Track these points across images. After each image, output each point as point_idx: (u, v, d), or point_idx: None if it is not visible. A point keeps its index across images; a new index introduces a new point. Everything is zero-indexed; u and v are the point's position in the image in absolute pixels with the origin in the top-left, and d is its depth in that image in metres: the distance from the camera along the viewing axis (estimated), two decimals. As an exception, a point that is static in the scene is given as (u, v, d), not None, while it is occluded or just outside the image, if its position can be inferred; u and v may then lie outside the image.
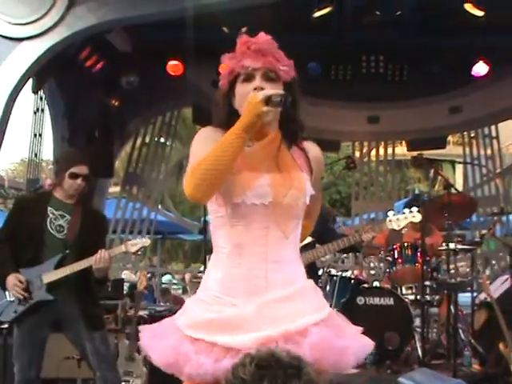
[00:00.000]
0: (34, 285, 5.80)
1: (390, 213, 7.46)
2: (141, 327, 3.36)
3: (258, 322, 3.04)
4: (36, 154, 10.48)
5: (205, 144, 3.17)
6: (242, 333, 3.01)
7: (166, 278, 18.71)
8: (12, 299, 5.84)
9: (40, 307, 5.81)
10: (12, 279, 5.75)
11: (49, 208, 5.90)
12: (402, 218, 7.34)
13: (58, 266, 5.80)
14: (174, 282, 20.15)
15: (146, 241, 6.29)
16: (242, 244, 3.15)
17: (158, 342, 3.17)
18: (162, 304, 13.43)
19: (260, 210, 3.13)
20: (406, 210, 7.32)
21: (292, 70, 3.30)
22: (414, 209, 7.34)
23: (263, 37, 3.31)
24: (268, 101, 3.05)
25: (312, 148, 3.39)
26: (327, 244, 7.24)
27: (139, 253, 6.39)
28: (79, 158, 6.22)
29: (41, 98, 10.29)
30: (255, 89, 3.18)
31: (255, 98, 3.05)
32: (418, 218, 7.40)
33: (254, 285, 3.13)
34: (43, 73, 8.88)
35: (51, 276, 5.78)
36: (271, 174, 3.16)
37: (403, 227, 7.52)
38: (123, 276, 12.82)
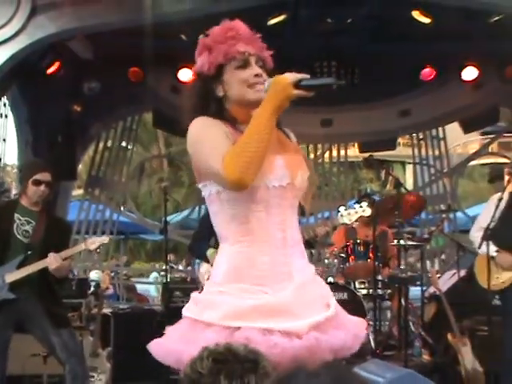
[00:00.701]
0: None
1: (342, 208, 7.51)
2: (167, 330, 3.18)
3: (296, 307, 3.00)
4: (0, 159, 10.43)
5: (215, 129, 3.03)
6: (285, 319, 2.94)
7: (153, 276, 18.47)
8: None
9: (3, 307, 5.80)
10: None
11: (15, 214, 5.94)
12: (353, 213, 7.39)
13: (20, 266, 5.80)
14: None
15: (104, 238, 6.36)
16: (265, 230, 3.06)
17: (191, 346, 2.84)
18: (125, 302, 13.38)
19: (277, 192, 3.05)
20: (357, 205, 7.38)
21: (271, 59, 3.22)
22: (364, 204, 7.41)
23: (243, 25, 3.19)
24: (297, 84, 2.92)
25: (290, 133, 3.36)
26: None
27: (98, 250, 6.39)
28: (41, 165, 6.27)
29: (4, 105, 10.22)
30: (256, 75, 3.08)
31: (284, 79, 2.92)
32: (367, 212, 7.45)
33: (281, 271, 3.06)
34: (6, 80, 8.80)
35: (13, 276, 5.78)
36: (282, 155, 3.09)
37: (354, 221, 7.59)
38: (95, 275, 12.74)
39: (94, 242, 6.14)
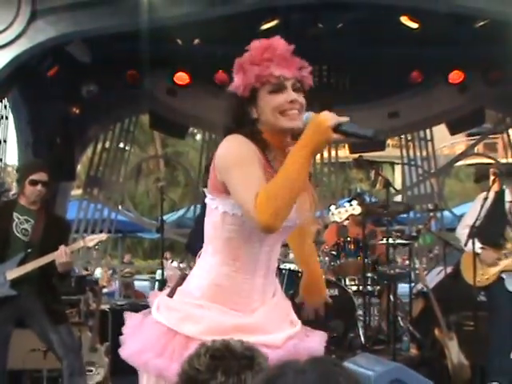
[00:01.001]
0: None
1: (332, 207, 7.53)
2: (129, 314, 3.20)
3: (269, 326, 3.01)
4: (1, 159, 10.41)
5: (252, 157, 2.84)
6: (262, 335, 2.93)
7: (159, 273, 18.49)
8: None
9: (3, 303, 5.80)
10: None
11: (14, 213, 5.94)
12: (343, 211, 7.41)
13: (21, 264, 5.80)
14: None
15: (102, 236, 6.36)
16: (254, 260, 3.00)
17: (175, 362, 2.81)
18: (123, 298, 13.37)
19: (281, 230, 2.88)
20: (347, 204, 7.39)
21: (310, 77, 3.03)
22: (354, 202, 7.41)
23: (284, 43, 2.99)
24: (337, 127, 2.77)
25: None
26: None
27: (96, 247, 6.38)
28: (38, 165, 6.28)
29: (5, 107, 10.19)
30: (291, 101, 2.90)
31: (325, 122, 2.75)
32: (357, 210, 7.48)
33: (256, 299, 3.03)
34: (7, 82, 8.78)
35: (14, 273, 5.78)
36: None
37: (344, 219, 7.60)
38: (97, 273, 12.77)
39: (93, 239, 6.14)
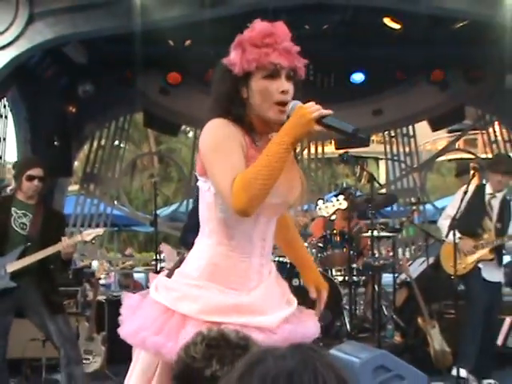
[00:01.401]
0: None
1: (320, 202, 7.53)
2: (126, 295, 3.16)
3: (265, 306, 2.97)
4: (0, 156, 10.40)
5: (234, 143, 2.82)
6: (257, 316, 2.90)
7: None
8: None
9: (4, 294, 5.80)
10: None
11: (12, 208, 5.93)
12: (330, 206, 7.41)
13: (21, 257, 5.80)
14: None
15: (99, 230, 6.39)
16: (249, 238, 2.97)
17: (171, 340, 2.82)
18: (120, 289, 13.38)
19: (271, 207, 2.93)
20: (334, 199, 7.40)
21: (304, 69, 2.99)
22: (341, 197, 7.42)
23: (286, 31, 2.96)
24: (319, 119, 2.75)
25: None
26: None
27: (93, 241, 6.39)
28: (34, 161, 6.29)
29: (4, 106, 10.18)
30: (282, 91, 2.86)
31: (309, 114, 2.72)
32: (344, 204, 7.49)
33: (253, 278, 3.00)
34: (6, 82, 8.76)
35: (14, 266, 5.78)
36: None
37: (332, 213, 7.60)
38: (94, 265, 12.78)
39: (90, 233, 6.15)
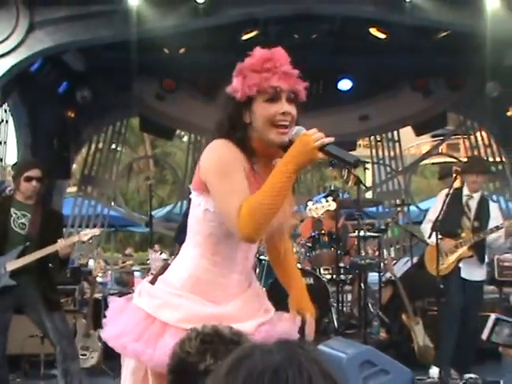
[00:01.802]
0: None
1: (310, 203, 7.52)
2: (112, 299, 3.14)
3: (243, 316, 2.97)
4: (1, 159, 10.38)
5: (239, 167, 2.78)
6: (235, 324, 2.76)
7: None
8: None
9: (3, 292, 5.77)
10: None
11: (12, 209, 5.90)
12: (320, 207, 7.40)
13: (20, 256, 5.78)
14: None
15: (95, 230, 6.37)
16: (232, 256, 2.96)
17: (149, 348, 2.84)
18: (115, 287, 13.36)
19: None
20: (323, 200, 7.39)
21: (304, 92, 2.94)
22: (330, 198, 7.42)
23: (285, 55, 2.91)
24: (322, 147, 2.73)
25: None
26: None
27: (90, 241, 6.37)
28: (32, 163, 6.28)
29: (5, 111, 10.16)
30: (283, 113, 2.81)
31: (311, 142, 2.70)
32: (333, 206, 7.47)
33: (232, 293, 3.00)
34: (7, 88, 8.75)
35: (13, 264, 5.76)
36: None
37: (321, 214, 7.59)
38: (91, 264, 12.76)
39: (87, 234, 6.13)
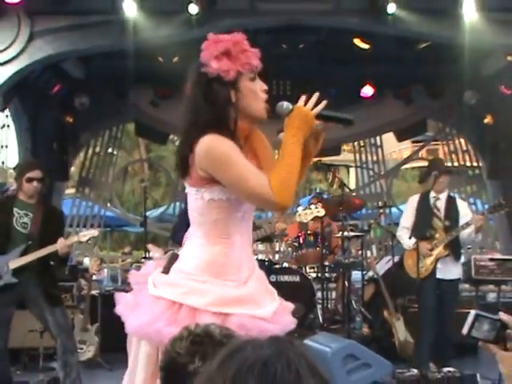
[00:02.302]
0: (2, 270, 5.76)
1: (300, 208, 7.50)
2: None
3: (258, 297, 2.99)
4: (3, 162, 10.35)
5: (239, 152, 2.82)
6: (254, 306, 2.92)
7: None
8: None
9: (6, 289, 5.77)
10: None
11: (14, 208, 5.88)
12: (309, 213, 7.39)
13: (23, 254, 5.77)
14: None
15: (94, 232, 6.36)
16: (239, 234, 2.98)
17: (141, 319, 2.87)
18: (110, 284, 13.33)
19: (252, 206, 3.01)
20: (313, 206, 7.38)
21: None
22: (319, 205, 7.41)
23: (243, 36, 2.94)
24: (319, 114, 2.91)
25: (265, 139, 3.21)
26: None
27: (89, 242, 6.35)
28: (32, 164, 6.28)
29: (7, 116, 10.13)
30: (264, 90, 2.92)
31: (308, 112, 2.86)
32: (321, 212, 7.45)
33: (246, 268, 3.01)
34: (9, 94, 8.73)
35: (16, 263, 5.75)
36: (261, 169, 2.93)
37: (309, 220, 7.58)
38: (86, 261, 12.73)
39: (86, 234, 6.12)
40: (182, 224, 6.73)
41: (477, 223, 6.98)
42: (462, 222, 7.13)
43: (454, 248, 7.17)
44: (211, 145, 2.82)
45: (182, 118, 3.02)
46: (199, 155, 2.84)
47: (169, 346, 2.08)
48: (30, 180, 5.87)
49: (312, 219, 7.62)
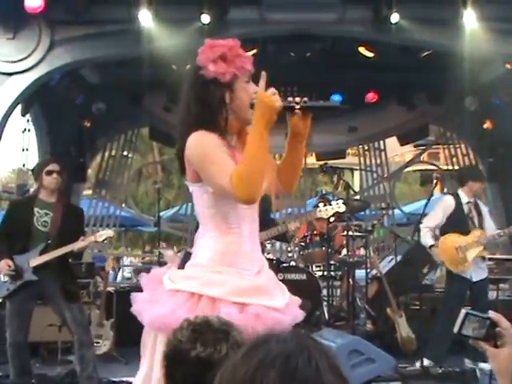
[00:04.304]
0: (23, 268, 5.78)
1: (321, 204, 7.45)
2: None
3: (271, 287, 3.01)
4: (24, 165, 10.41)
5: (219, 149, 2.84)
6: (269, 297, 2.93)
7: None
8: (5, 280, 5.85)
9: (27, 285, 5.80)
10: (3, 264, 5.77)
11: (35, 208, 5.91)
12: (330, 209, 7.34)
13: (43, 252, 5.79)
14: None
15: (110, 232, 6.39)
16: (247, 223, 2.99)
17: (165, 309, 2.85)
18: (124, 281, 13.36)
19: None
20: (334, 202, 7.33)
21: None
22: (340, 201, 7.36)
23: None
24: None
25: None
26: (264, 231, 7.03)
27: (105, 241, 6.36)
28: (49, 159, 6.44)
29: (28, 120, 10.17)
30: (255, 92, 2.90)
31: (274, 101, 2.78)
32: (342, 208, 7.38)
33: (255, 257, 3.03)
34: (29, 100, 8.77)
35: (36, 261, 5.77)
36: None
37: (331, 215, 7.49)
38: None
39: (102, 234, 6.13)
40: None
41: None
42: (486, 226, 7.07)
43: None
44: (193, 142, 2.87)
45: (178, 119, 3.06)
46: (187, 153, 2.89)
47: (171, 336, 2.11)
48: (49, 173, 5.90)
49: (333, 215, 7.54)
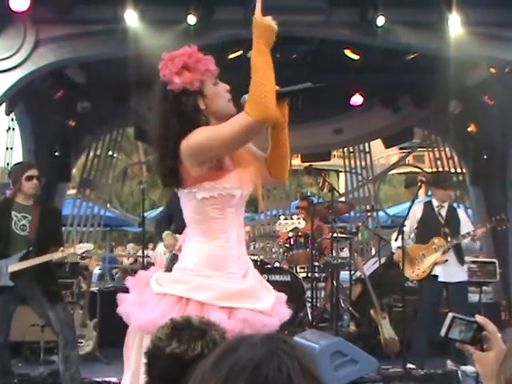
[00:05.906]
0: (1, 273, 5.70)
1: (282, 217, 7.57)
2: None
3: (257, 291, 3.03)
4: (8, 164, 10.32)
5: (213, 127, 2.91)
6: (255, 300, 2.96)
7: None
8: None
9: (5, 290, 5.73)
10: None
11: (12, 212, 5.80)
12: (290, 224, 7.45)
13: (23, 259, 5.72)
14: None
15: (90, 245, 6.34)
16: (234, 228, 3.01)
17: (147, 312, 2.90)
18: (109, 282, 13.32)
19: (243, 198, 3.02)
20: (295, 217, 7.43)
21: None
22: (301, 216, 7.47)
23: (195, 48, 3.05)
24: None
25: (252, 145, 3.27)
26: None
27: (84, 255, 6.33)
28: (29, 164, 6.30)
29: (12, 119, 10.12)
30: (227, 90, 3.01)
31: (272, 24, 2.89)
32: (302, 224, 7.54)
33: (242, 261, 3.05)
34: (14, 99, 8.72)
35: (15, 267, 5.69)
36: (242, 168, 3.02)
37: (289, 230, 7.63)
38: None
39: (82, 247, 6.09)
40: (166, 218, 6.85)
41: (478, 234, 7.10)
42: (463, 229, 7.21)
43: (458, 253, 7.21)
44: (188, 141, 2.88)
45: (152, 133, 3.09)
46: (186, 158, 2.90)
47: (153, 334, 2.15)
48: (29, 178, 5.82)
49: (291, 230, 7.70)
